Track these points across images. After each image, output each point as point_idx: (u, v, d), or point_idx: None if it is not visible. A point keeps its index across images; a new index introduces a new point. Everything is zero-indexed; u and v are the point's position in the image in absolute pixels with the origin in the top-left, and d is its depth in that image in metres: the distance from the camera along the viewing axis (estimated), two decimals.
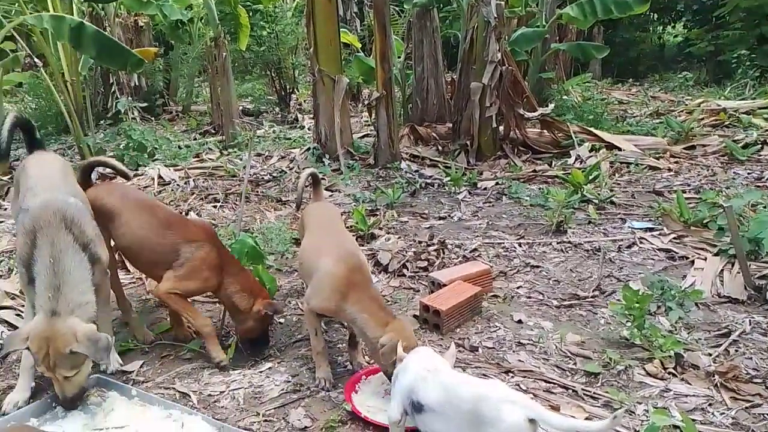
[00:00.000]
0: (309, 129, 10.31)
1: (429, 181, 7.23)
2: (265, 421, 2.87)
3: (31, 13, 7.77)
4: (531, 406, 2.16)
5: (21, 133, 3.66)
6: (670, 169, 7.20)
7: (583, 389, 3.05)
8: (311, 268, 3.19)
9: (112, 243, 3.58)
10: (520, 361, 3.36)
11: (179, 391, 3.11)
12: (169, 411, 2.84)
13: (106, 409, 2.90)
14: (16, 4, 8.21)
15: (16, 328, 3.62)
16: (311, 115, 11.37)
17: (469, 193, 6.79)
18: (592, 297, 4.15)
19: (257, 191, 6.84)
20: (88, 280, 2.94)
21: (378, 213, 5.99)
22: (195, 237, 3.37)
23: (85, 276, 2.91)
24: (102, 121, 10.07)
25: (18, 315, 3.87)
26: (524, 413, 2.10)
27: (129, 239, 3.44)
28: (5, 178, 6.93)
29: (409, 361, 2.51)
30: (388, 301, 4.17)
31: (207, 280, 3.34)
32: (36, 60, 7.77)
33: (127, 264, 4.39)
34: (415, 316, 3.89)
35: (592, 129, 8.39)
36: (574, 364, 3.34)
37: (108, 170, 5.49)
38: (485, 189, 6.86)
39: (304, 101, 13.87)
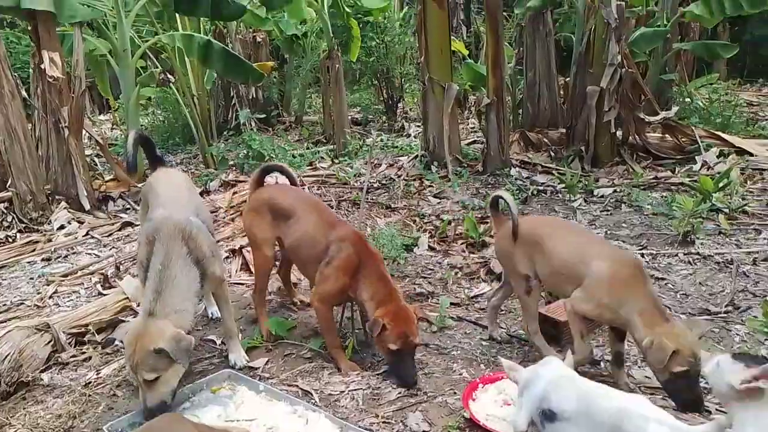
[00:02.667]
0: (415, 137, 10.41)
1: (541, 188, 7.06)
2: (384, 422, 2.90)
3: (164, 32, 8.46)
4: (678, 426, 2.03)
5: (142, 149, 4.05)
6: None
7: (717, 409, 2.85)
8: (578, 271, 3.08)
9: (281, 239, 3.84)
10: (647, 377, 3.20)
11: (302, 389, 3.22)
12: (295, 407, 2.96)
13: (236, 401, 3.08)
14: (148, 24, 8.95)
15: None
16: (417, 123, 11.51)
17: (585, 200, 6.57)
18: (725, 312, 3.89)
19: (367, 198, 6.98)
20: (192, 290, 3.10)
21: (489, 220, 5.91)
22: (346, 237, 3.49)
23: (189, 286, 3.07)
24: (224, 132, 10.73)
25: None
26: None
27: (298, 236, 3.66)
28: (139, 185, 7.55)
29: (540, 369, 2.44)
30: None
31: (344, 282, 3.39)
32: (169, 75, 8.42)
33: (251, 266, 4.64)
34: None
35: (719, 133, 7.89)
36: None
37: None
38: (602, 196, 6.61)
39: (410, 109, 14.02)
